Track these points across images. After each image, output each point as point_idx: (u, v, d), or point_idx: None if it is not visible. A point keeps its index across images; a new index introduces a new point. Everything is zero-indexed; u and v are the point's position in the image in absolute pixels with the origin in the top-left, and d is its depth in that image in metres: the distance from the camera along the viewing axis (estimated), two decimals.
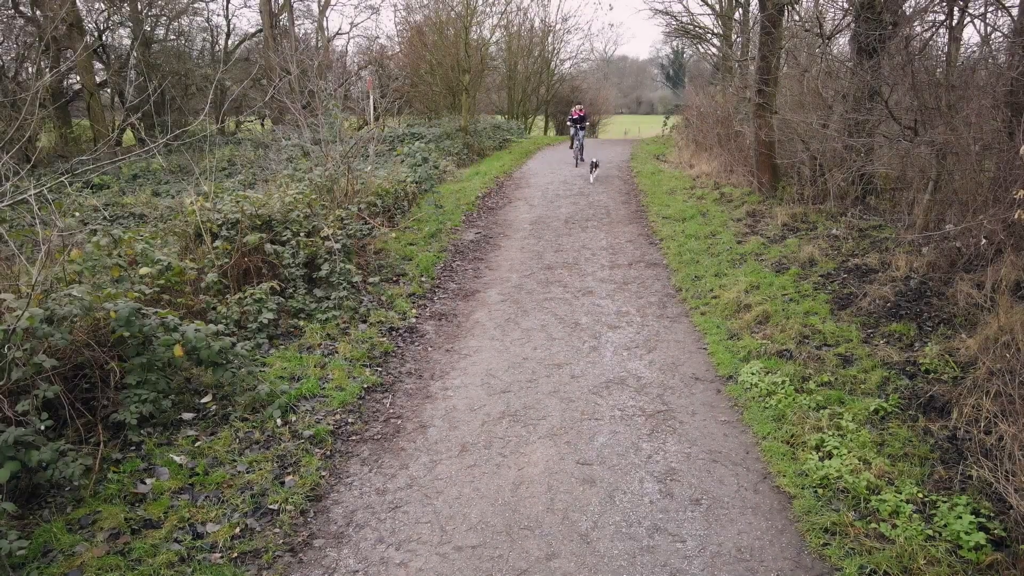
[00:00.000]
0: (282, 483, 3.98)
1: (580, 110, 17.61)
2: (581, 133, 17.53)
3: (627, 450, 4.38)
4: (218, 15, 61.07)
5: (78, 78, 20.96)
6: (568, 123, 18.59)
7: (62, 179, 5.93)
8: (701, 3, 24.77)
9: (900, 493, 3.70)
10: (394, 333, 6.44)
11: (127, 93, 21.19)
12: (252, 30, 28.41)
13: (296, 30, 27.14)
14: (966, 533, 3.33)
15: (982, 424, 4.08)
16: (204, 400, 4.80)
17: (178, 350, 4.42)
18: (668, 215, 11.13)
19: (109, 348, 4.44)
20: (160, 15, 24.38)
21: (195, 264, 6.02)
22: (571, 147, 18.61)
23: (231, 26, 31.35)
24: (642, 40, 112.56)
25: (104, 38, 22.99)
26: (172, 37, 25.72)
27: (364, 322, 6.53)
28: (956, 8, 8.06)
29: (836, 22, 11.09)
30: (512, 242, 10.00)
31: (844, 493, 3.79)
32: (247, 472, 4.06)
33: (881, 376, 4.96)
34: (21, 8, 20.57)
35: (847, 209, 8.75)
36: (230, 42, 27.94)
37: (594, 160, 15.35)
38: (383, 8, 60.54)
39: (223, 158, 16.56)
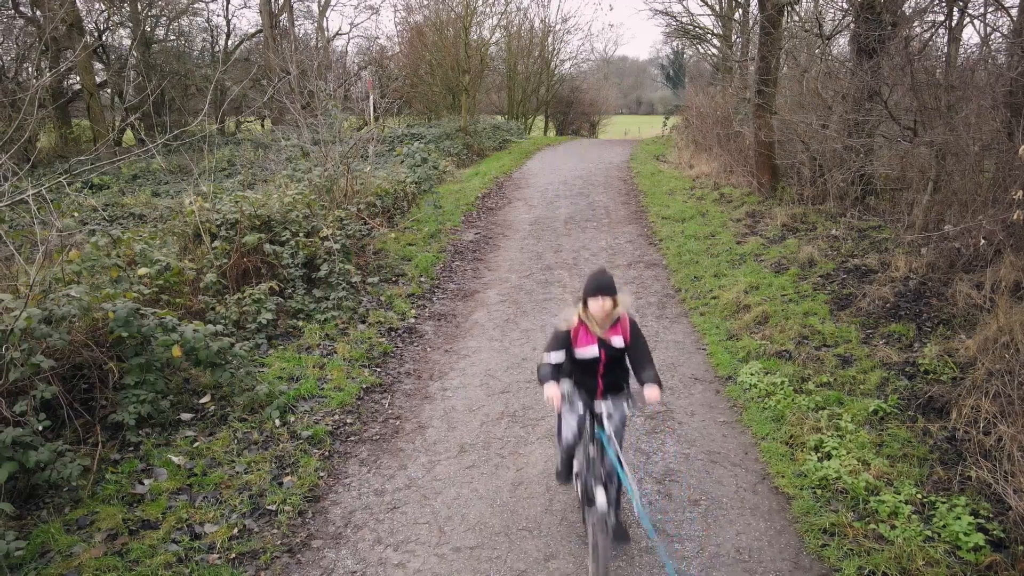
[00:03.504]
0: (280, 484, 3.98)
1: (619, 325, 3.18)
2: (609, 427, 3.09)
3: (625, 451, 4.38)
4: (218, 15, 61.07)
5: (78, 78, 20.95)
6: (544, 373, 3.10)
7: (61, 179, 5.92)
8: (701, 3, 24.83)
9: (899, 494, 3.70)
10: (393, 333, 6.44)
11: (127, 93, 21.19)
12: (252, 30, 28.36)
13: (296, 30, 27.13)
14: (965, 534, 3.33)
15: (981, 425, 4.08)
16: (202, 401, 4.79)
17: (176, 350, 4.42)
18: (668, 215, 11.12)
19: (107, 348, 4.44)
20: (160, 15, 24.36)
21: (194, 264, 6.02)
22: (559, 475, 3.73)
23: (231, 26, 31.28)
24: (642, 40, 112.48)
25: (104, 38, 22.97)
26: (172, 37, 25.70)
27: (363, 322, 6.53)
28: (956, 9, 8.07)
29: (836, 23, 11.11)
30: (511, 243, 10.00)
31: (843, 494, 3.78)
32: (245, 473, 4.05)
33: (880, 377, 4.95)
34: (21, 8, 20.57)
35: (847, 210, 8.75)
36: (230, 42, 27.92)
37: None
38: (383, 8, 60.60)
39: (223, 158, 16.52)
